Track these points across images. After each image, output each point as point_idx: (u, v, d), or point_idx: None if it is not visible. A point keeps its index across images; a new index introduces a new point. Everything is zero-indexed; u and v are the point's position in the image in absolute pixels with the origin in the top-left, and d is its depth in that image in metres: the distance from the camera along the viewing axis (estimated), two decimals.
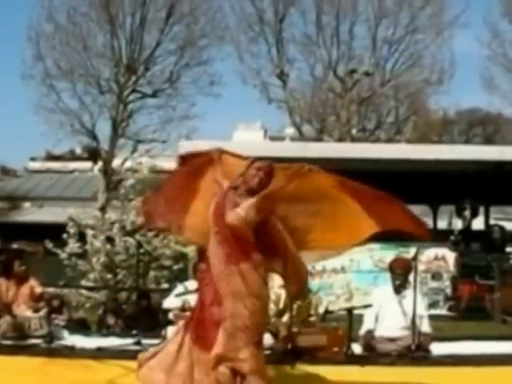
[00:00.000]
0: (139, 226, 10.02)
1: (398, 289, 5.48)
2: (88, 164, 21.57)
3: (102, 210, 12.98)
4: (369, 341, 5.40)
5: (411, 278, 5.53)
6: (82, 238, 10.19)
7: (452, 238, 9.12)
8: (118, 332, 7.25)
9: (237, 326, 3.58)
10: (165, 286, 9.49)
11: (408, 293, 5.49)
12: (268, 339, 4.69)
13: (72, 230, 10.21)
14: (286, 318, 5.19)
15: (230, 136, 23.06)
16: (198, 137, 17.04)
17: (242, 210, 3.64)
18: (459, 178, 8.55)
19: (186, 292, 5.67)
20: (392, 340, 5.34)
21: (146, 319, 6.83)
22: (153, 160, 15.40)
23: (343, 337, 5.25)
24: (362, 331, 5.46)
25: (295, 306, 5.15)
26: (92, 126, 17.08)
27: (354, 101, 18.49)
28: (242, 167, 3.83)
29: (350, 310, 5.41)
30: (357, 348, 5.35)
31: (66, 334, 6.07)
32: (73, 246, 10.10)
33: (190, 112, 17.75)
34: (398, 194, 4.01)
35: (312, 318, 5.51)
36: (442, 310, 8.34)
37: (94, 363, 4.95)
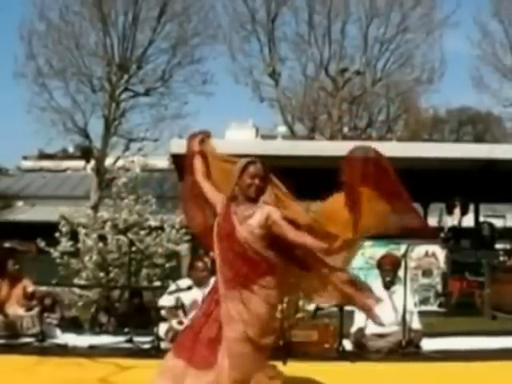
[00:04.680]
0: (131, 225, 10.03)
1: (388, 285, 5.54)
2: (80, 163, 21.52)
3: (95, 208, 12.96)
4: (359, 338, 5.44)
5: (400, 273, 5.59)
6: (74, 236, 10.15)
7: (442, 235, 9.20)
8: (110, 330, 7.26)
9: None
10: (157, 284, 9.50)
11: (397, 288, 5.55)
12: None
13: (64, 229, 10.17)
14: (276, 314, 5.21)
15: (222, 134, 23.09)
16: None
17: (254, 221, 3.46)
18: (449, 176, 8.62)
19: (179, 290, 5.70)
20: (382, 336, 5.39)
21: (138, 317, 6.83)
22: (145, 158, 15.42)
23: (334, 333, 5.29)
24: (353, 329, 5.51)
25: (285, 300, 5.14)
26: (84, 125, 17.05)
27: (345, 99, 18.56)
28: (228, 164, 3.69)
29: (341, 307, 5.44)
30: (348, 344, 5.39)
31: (58, 332, 6.08)
32: (65, 244, 10.06)
33: (183, 110, 17.78)
34: None
35: (299, 315, 5.55)
36: (433, 306, 8.41)
37: (87, 361, 4.96)
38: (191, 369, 3.41)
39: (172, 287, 5.87)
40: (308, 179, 8.39)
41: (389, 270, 5.53)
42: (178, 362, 3.45)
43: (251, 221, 3.48)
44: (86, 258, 9.80)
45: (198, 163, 3.80)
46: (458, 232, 9.47)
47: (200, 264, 5.73)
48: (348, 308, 5.52)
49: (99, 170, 16.45)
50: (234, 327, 3.39)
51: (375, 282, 5.68)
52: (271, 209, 3.51)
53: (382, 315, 5.38)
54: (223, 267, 3.49)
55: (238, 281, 3.44)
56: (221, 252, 3.51)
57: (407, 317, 5.35)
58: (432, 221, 10.82)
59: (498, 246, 9.54)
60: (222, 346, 3.40)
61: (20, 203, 18.48)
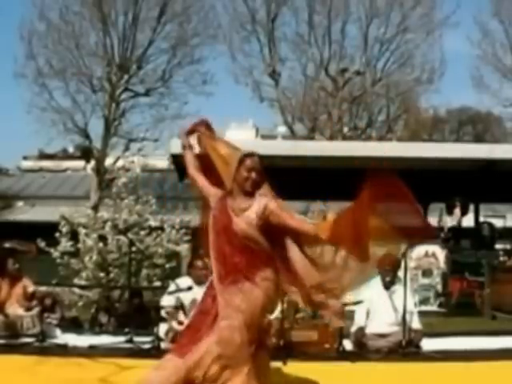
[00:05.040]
0: (131, 225, 10.05)
1: (387, 285, 5.54)
2: (81, 163, 21.52)
3: (95, 208, 12.97)
4: (360, 338, 5.45)
5: (400, 273, 5.59)
6: (74, 236, 10.18)
7: (442, 235, 9.20)
8: (110, 330, 7.27)
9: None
10: (157, 284, 9.52)
11: (397, 288, 5.56)
12: None
13: (64, 229, 10.20)
14: (277, 314, 5.22)
15: (222, 134, 23.06)
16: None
17: (251, 213, 3.43)
18: (449, 176, 8.62)
19: (179, 290, 5.70)
20: (383, 336, 5.39)
21: (138, 317, 6.84)
22: (145, 159, 15.44)
23: (334, 333, 5.29)
24: (353, 328, 5.51)
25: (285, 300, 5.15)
26: (84, 125, 17.05)
27: (345, 99, 18.56)
28: (230, 153, 3.67)
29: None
30: (348, 344, 5.40)
31: (58, 332, 6.09)
32: (65, 244, 10.09)
33: (183, 111, 17.75)
34: None
35: (299, 315, 5.56)
36: (433, 307, 8.42)
37: (87, 361, 4.95)
38: (176, 358, 3.40)
39: (172, 287, 5.86)
40: (308, 179, 8.41)
41: (389, 270, 5.53)
42: (168, 356, 3.46)
43: (249, 212, 3.44)
44: (86, 258, 9.82)
45: (188, 156, 3.77)
46: (457, 232, 9.46)
47: (200, 262, 5.72)
48: (348, 308, 5.53)
49: (99, 170, 16.46)
50: (228, 315, 3.35)
51: (375, 282, 5.69)
52: (268, 200, 3.48)
53: (383, 315, 5.44)
54: (216, 261, 3.44)
55: (236, 275, 3.39)
56: (216, 246, 3.45)
57: (407, 317, 5.35)
58: (432, 221, 10.82)
59: (498, 246, 9.54)
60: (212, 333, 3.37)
61: (20, 203, 18.49)
